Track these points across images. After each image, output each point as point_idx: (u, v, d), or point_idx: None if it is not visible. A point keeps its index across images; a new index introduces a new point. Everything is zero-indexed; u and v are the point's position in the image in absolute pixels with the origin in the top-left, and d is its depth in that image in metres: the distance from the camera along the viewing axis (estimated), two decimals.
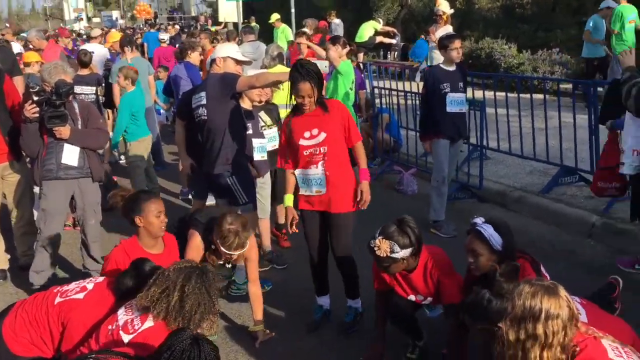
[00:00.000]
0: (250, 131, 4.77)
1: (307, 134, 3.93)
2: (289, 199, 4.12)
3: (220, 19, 22.35)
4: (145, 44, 15.82)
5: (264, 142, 4.96)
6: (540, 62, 12.95)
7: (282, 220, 5.74)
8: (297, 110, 3.97)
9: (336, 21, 17.59)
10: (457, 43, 5.75)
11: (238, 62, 4.61)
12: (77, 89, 6.67)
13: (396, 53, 17.90)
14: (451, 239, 5.58)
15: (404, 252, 3.35)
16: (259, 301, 4.14)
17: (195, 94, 4.54)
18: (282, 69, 5.67)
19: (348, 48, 6.98)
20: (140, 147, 6.63)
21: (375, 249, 3.36)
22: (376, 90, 8.69)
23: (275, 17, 15.01)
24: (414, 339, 3.83)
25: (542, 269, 3.27)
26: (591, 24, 10.96)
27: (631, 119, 4.59)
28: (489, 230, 3.18)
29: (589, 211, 5.83)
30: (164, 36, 12.55)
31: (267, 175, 5.15)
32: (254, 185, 4.72)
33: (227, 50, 4.59)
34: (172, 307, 2.67)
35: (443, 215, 5.93)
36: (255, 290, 4.13)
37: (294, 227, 4.09)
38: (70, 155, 4.37)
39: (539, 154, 6.85)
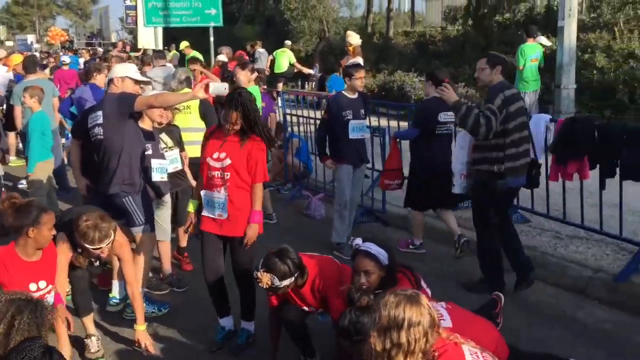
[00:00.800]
0: (149, 152, 4.75)
1: (215, 155, 3.99)
2: (191, 205, 4.24)
3: (140, 46, 22.11)
4: None
5: (164, 163, 4.93)
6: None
7: (184, 244, 5.70)
8: (220, 127, 4.05)
9: (260, 50, 17.87)
10: (361, 73, 5.97)
11: (137, 82, 4.60)
12: None
13: (314, 83, 18.26)
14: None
15: (285, 282, 3.50)
16: (138, 302, 4.11)
17: (92, 113, 4.49)
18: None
19: (256, 74, 7.11)
20: (44, 168, 6.45)
21: (258, 281, 3.52)
22: (288, 117, 8.85)
23: (184, 44, 15.39)
24: (305, 355, 3.89)
25: (422, 282, 3.43)
26: None
27: (460, 148, 5.18)
28: (374, 248, 3.32)
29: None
30: (66, 59, 12.31)
31: (168, 197, 5.12)
32: (151, 207, 4.68)
33: (125, 70, 4.58)
34: None
35: (345, 238, 6.06)
36: (132, 291, 4.10)
37: (189, 230, 4.22)
38: None
39: None
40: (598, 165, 5.10)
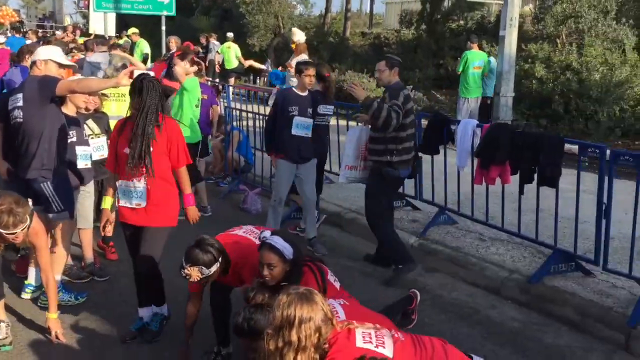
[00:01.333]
0: (73, 138, 4.68)
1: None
2: (106, 202, 4.19)
3: (90, 30, 21.59)
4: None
5: (88, 150, 4.87)
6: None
7: (110, 233, 5.64)
8: (129, 119, 4.01)
9: (215, 42, 17.78)
10: (311, 70, 5.95)
11: (61, 66, 4.53)
12: None
13: (266, 78, 18.27)
14: None
15: (213, 268, 3.52)
16: (51, 290, 4.08)
17: (12, 95, 4.40)
18: None
19: (196, 67, 7.06)
20: None
21: (188, 277, 3.52)
22: (233, 112, 8.83)
23: (132, 30, 15.53)
24: (220, 343, 3.91)
25: (329, 275, 3.49)
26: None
27: (349, 142, 5.77)
28: (280, 242, 3.37)
29: (409, 233, 6.28)
30: (1, 38, 11.96)
31: (91, 184, 5.05)
32: (72, 193, 4.62)
33: (49, 53, 4.50)
34: None
35: (314, 233, 6.11)
36: (46, 279, 4.05)
37: (107, 229, 4.22)
38: None
39: None
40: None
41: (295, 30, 9.38)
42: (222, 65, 16.72)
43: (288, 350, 2.46)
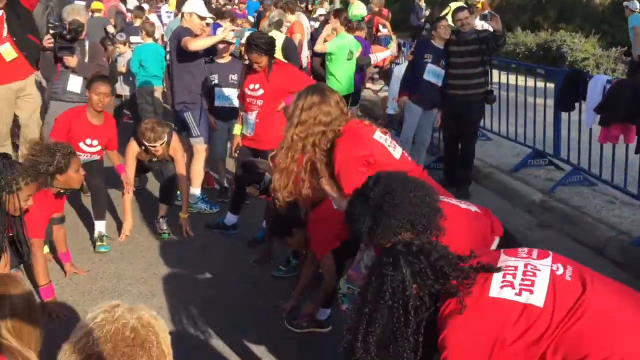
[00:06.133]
0: (215, 81, 5.77)
1: (251, 86, 4.95)
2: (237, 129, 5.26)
3: None
4: None
5: (229, 93, 5.86)
6: (605, 59, 12.79)
7: None
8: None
9: None
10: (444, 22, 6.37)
11: (202, 18, 5.53)
12: None
13: None
14: None
15: None
16: (184, 195, 5.18)
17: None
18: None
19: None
20: None
21: None
22: None
23: None
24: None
25: None
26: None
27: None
28: None
29: (537, 189, 6.25)
30: None
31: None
32: (207, 125, 5.73)
33: (192, 7, 5.53)
34: None
35: None
36: (181, 186, 5.18)
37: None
38: (75, 83, 5.54)
39: (520, 137, 7.23)
40: None
41: None
42: None
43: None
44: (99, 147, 4.85)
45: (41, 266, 3.79)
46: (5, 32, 5.08)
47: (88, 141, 4.76)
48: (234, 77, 5.78)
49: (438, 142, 7.51)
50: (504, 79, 7.55)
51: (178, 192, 5.36)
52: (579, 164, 6.13)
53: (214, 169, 6.30)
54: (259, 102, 4.96)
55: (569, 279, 1.92)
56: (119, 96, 7.80)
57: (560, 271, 1.94)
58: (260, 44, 4.75)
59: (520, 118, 7.21)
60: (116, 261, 4.66)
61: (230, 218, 5.18)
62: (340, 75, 7.37)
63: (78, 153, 4.27)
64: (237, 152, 5.20)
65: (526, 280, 1.89)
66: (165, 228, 5.12)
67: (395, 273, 1.92)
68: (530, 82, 7.37)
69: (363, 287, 2.03)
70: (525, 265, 1.95)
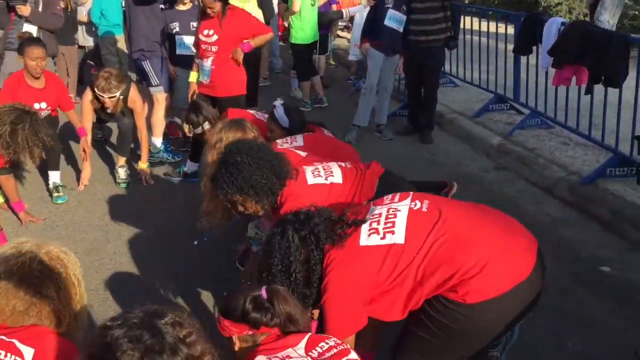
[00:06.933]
0: (177, 29, 5.75)
1: (205, 32, 4.93)
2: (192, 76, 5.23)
3: None
4: None
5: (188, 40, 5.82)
6: (578, 3, 12.77)
7: None
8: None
9: None
10: None
11: None
12: None
13: None
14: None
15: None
16: (144, 144, 5.22)
17: None
18: None
19: None
20: None
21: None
22: None
23: None
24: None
25: (325, 130, 3.90)
26: None
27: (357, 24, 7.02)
28: (279, 112, 3.94)
29: (496, 134, 6.36)
30: None
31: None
32: (167, 74, 5.76)
33: None
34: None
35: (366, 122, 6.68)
36: (141, 136, 5.21)
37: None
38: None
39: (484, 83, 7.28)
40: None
41: None
42: None
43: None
44: (49, 109, 4.81)
45: None
46: None
47: (36, 105, 4.57)
48: (195, 24, 5.57)
49: (403, 89, 7.56)
50: (475, 26, 7.54)
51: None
52: (536, 108, 6.23)
53: (179, 117, 6.33)
54: (214, 49, 4.96)
55: (425, 210, 2.19)
56: (81, 47, 7.71)
57: (417, 206, 2.21)
58: None
59: (484, 64, 7.25)
60: (73, 209, 4.73)
61: (190, 166, 5.24)
62: (305, 22, 7.32)
63: None
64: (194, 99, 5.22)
65: (388, 223, 2.15)
66: (124, 177, 5.16)
67: (282, 241, 2.17)
68: (495, 27, 7.38)
69: (261, 256, 2.31)
70: (388, 210, 2.21)
